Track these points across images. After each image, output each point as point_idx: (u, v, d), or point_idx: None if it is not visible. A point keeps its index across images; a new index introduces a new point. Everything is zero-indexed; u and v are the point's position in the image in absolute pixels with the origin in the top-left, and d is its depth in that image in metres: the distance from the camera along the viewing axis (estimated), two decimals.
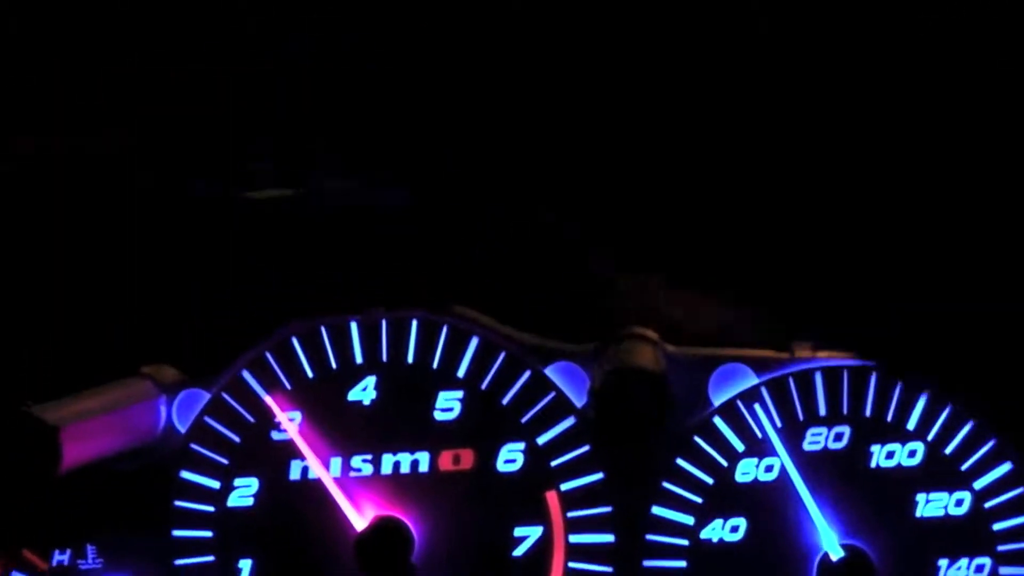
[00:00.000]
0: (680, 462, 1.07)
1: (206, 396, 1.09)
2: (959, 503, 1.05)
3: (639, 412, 0.96)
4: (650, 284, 1.10)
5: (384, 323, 1.08)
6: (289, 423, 1.08)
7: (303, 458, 1.08)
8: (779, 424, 1.06)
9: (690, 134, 1.02)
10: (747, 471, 1.07)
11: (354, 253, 1.09)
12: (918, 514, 1.05)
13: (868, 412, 1.06)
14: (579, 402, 1.07)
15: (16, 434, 0.94)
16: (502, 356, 1.07)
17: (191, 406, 1.09)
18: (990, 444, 1.05)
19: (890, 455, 1.06)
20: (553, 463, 1.07)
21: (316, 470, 1.07)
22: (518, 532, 1.07)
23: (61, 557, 1.11)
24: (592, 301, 1.10)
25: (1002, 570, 1.05)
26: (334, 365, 1.08)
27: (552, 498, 1.07)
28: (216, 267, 1.10)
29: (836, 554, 1.04)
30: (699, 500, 1.07)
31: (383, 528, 1.06)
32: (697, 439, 1.07)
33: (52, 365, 1.07)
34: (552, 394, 1.07)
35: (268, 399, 1.08)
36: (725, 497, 1.07)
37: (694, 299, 1.10)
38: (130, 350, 1.09)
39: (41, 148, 1.11)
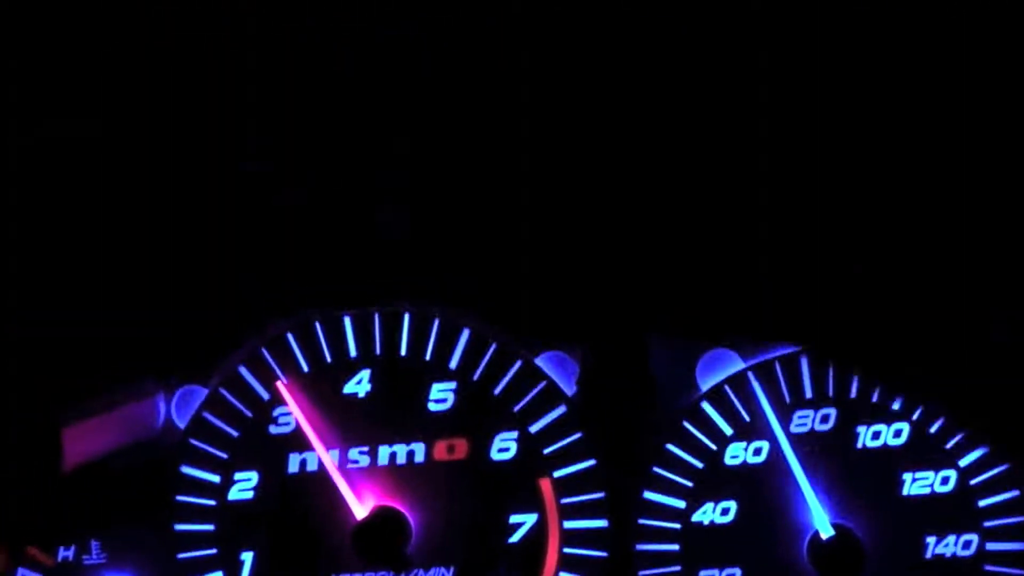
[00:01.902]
0: (670, 447, 1.09)
1: (204, 392, 1.11)
2: (945, 481, 1.07)
3: (627, 394, 0.98)
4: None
5: (377, 317, 1.10)
6: (299, 412, 1.09)
7: (300, 451, 1.10)
8: (766, 408, 1.08)
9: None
10: (736, 454, 1.09)
11: (346, 249, 1.11)
12: (905, 492, 1.07)
13: (853, 394, 1.08)
14: (569, 390, 1.09)
15: (19, 434, 0.97)
16: (493, 347, 1.09)
17: (190, 402, 1.11)
18: None
19: (876, 435, 1.08)
20: (546, 451, 1.09)
21: (323, 460, 1.09)
22: (513, 519, 1.09)
23: (66, 553, 1.13)
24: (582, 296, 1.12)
25: (989, 545, 1.06)
26: (329, 359, 1.10)
27: (546, 485, 1.09)
28: (212, 263, 1.12)
29: (827, 533, 1.06)
30: (690, 484, 1.09)
31: (381, 517, 1.08)
32: (686, 424, 1.09)
33: (51, 365, 1.10)
34: (543, 383, 1.09)
35: (281, 386, 1.10)
36: (715, 480, 1.09)
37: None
38: (128, 348, 1.11)
39: (43, 134, 1.13)
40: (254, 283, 1.10)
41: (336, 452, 1.10)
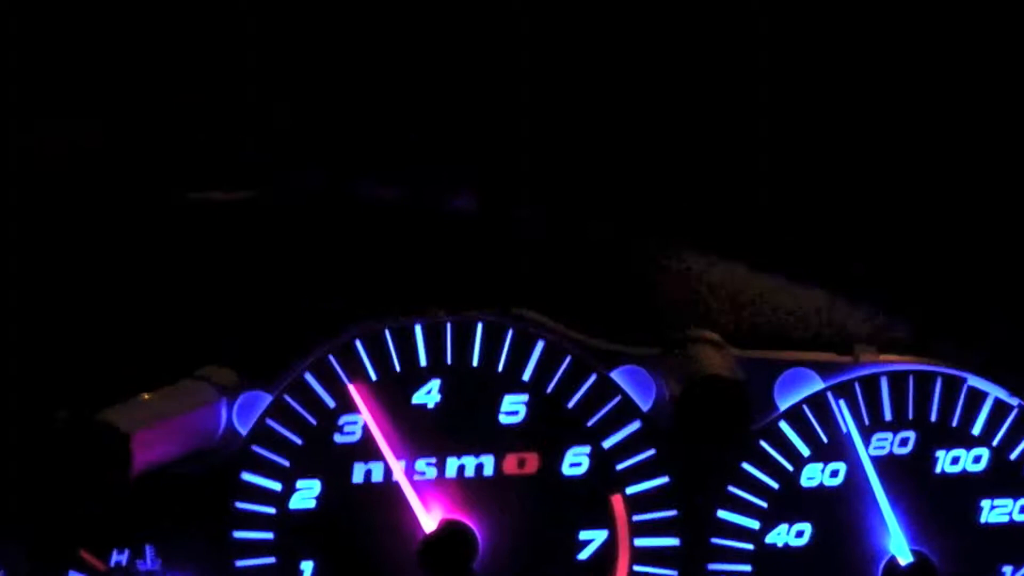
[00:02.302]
0: (745, 466, 1.07)
1: (267, 398, 1.08)
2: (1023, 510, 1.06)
3: (720, 419, 0.95)
4: (704, 280, 1.09)
5: (449, 326, 1.07)
6: (370, 418, 1.06)
7: (366, 461, 1.07)
8: (845, 429, 1.06)
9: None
10: (812, 476, 1.07)
11: (418, 255, 1.08)
12: (983, 520, 1.06)
13: (934, 417, 1.06)
14: (645, 406, 1.07)
15: (89, 441, 0.93)
16: (567, 360, 1.06)
17: (251, 408, 1.08)
18: None
19: (955, 460, 1.06)
20: (618, 467, 1.07)
21: (393, 470, 1.07)
22: (583, 536, 1.07)
23: (119, 557, 1.10)
24: (647, 302, 1.10)
25: None
26: (398, 368, 1.07)
27: (617, 502, 1.07)
28: (278, 268, 1.09)
29: (905, 559, 1.05)
30: (764, 504, 1.07)
31: (449, 532, 1.06)
32: (763, 443, 1.07)
33: (111, 368, 1.07)
34: (618, 398, 1.07)
35: (353, 391, 1.07)
36: (790, 501, 1.07)
37: (752, 298, 1.10)
38: (187, 351, 1.08)
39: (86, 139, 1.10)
40: (325, 289, 1.08)
41: (403, 463, 1.07)
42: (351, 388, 1.07)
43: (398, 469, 1.07)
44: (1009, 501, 1.06)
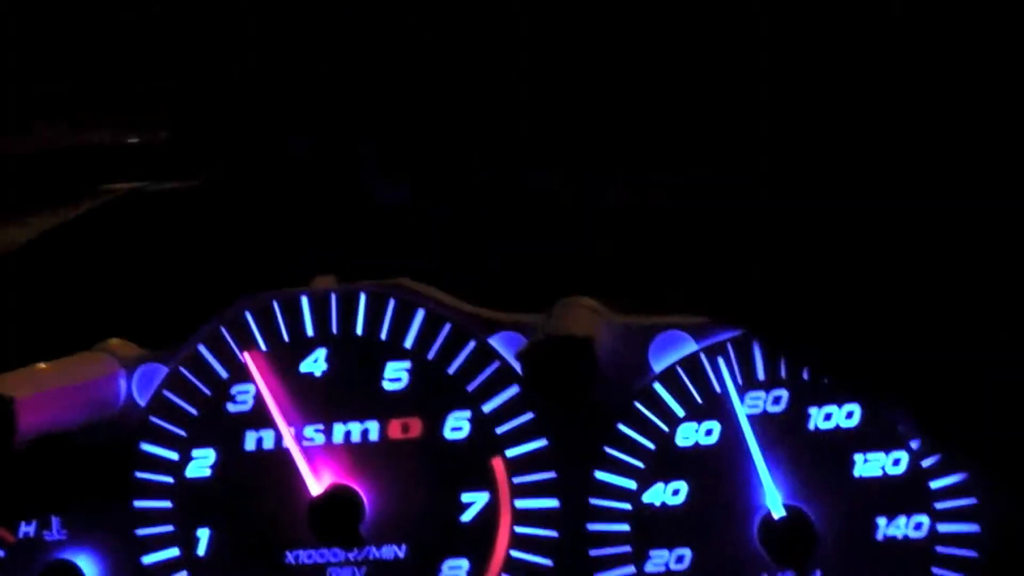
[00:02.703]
0: (622, 428, 1.09)
1: (164, 370, 1.13)
2: (896, 462, 1.07)
3: (569, 378, 0.98)
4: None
5: (334, 297, 1.11)
6: (264, 386, 1.10)
7: (257, 429, 1.11)
8: (720, 389, 1.09)
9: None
10: (687, 435, 1.09)
11: (302, 227, 1.13)
12: (856, 474, 1.07)
13: (806, 376, 1.08)
14: (522, 371, 1.10)
15: None
16: (447, 327, 1.10)
17: (150, 380, 1.13)
18: None
19: (828, 416, 1.08)
20: (498, 430, 1.10)
21: (284, 435, 1.10)
22: (465, 498, 1.10)
23: (27, 529, 1.14)
24: (538, 272, 1.13)
25: (940, 527, 1.06)
26: (286, 338, 1.12)
27: (498, 464, 1.10)
28: (172, 242, 1.14)
29: (778, 513, 1.06)
30: (641, 465, 1.09)
31: (335, 495, 1.09)
32: (638, 405, 1.09)
33: (9, 341, 1.12)
34: (496, 363, 1.10)
35: (248, 359, 1.11)
36: (666, 461, 1.09)
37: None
38: (88, 325, 1.13)
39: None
40: (216, 262, 1.12)
41: (292, 430, 1.11)
42: (247, 357, 1.11)
43: (288, 435, 1.10)
44: (881, 454, 1.07)
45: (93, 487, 1.13)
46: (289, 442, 1.10)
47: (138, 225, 1.15)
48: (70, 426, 1.07)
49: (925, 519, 1.06)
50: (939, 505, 1.06)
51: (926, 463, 1.06)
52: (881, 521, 1.07)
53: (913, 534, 1.07)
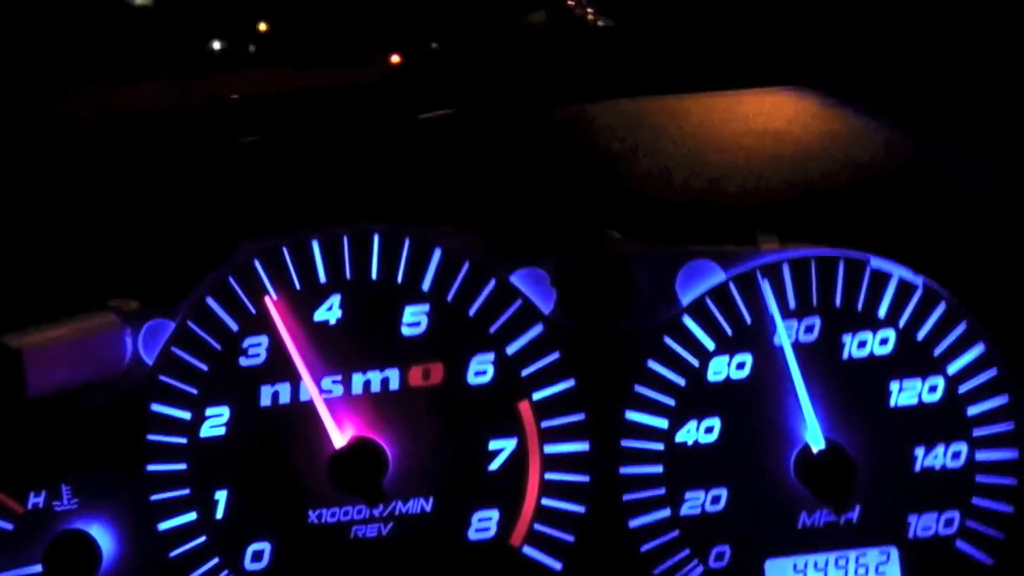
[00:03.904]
0: (651, 364, 1.06)
1: (171, 326, 1.08)
2: (932, 389, 1.04)
3: (605, 298, 0.94)
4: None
5: (346, 239, 1.07)
6: (286, 333, 1.05)
7: (272, 383, 1.07)
8: (748, 320, 1.05)
9: None
10: (719, 370, 1.06)
11: (312, 171, 1.08)
12: (892, 403, 1.04)
13: (838, 302, 1.05)
14: (546, 308, 1.06)
15: None
16: (466, 266, 1.06)
17: (157, 337, 1.08)
18: (961, 327, 1.04)
19: (862, 344, 1.05)
20: (523, 372, 1.06)
21: (308, 387, 1.05)
22: (492, 445, 1.06)
23: (36, 499, 1.09)
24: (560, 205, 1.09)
25: (979, 454, 1.04)
26: (298, 285, 1.07)
27: (525, 408, 1.06)
28: (170, 192, 1.09)
29: (819, 447, 1.03)
30: (672, 402, 1.06)
31: (358, 448, 1.05)
32: (667, 339, 1.06)
33: (14, 300, 1.07)
34: (519, 302, 1.06)
35: (270, 303, 1.05)
36: (698, 398, 1.06)
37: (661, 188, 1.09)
38: (92, 283, 1.08)
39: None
40: (220, 209, 1.08)
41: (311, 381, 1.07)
42: (267, 301, 1.06)
43: (312, 386, 1.06)
44: (918, 381, 1.04)
45: (104, 451, 1.08)
46: (313, 392, 1.05)
47: (133, 181, 1.10)
48: (77, 384, 1.03)
49: (963, 447, 1.04)
50: (977, 431, 1.04)
51: (963, 388, 1.04)
52: (919, 452, 1.04)
53: (951, 464, 1.04)
